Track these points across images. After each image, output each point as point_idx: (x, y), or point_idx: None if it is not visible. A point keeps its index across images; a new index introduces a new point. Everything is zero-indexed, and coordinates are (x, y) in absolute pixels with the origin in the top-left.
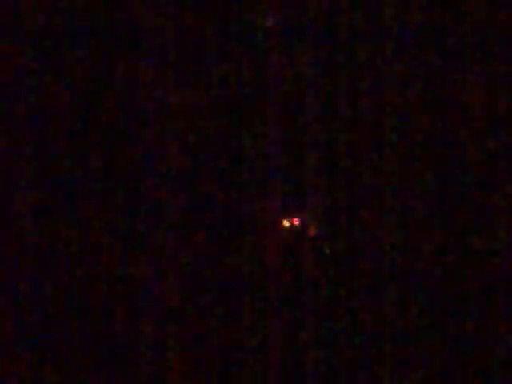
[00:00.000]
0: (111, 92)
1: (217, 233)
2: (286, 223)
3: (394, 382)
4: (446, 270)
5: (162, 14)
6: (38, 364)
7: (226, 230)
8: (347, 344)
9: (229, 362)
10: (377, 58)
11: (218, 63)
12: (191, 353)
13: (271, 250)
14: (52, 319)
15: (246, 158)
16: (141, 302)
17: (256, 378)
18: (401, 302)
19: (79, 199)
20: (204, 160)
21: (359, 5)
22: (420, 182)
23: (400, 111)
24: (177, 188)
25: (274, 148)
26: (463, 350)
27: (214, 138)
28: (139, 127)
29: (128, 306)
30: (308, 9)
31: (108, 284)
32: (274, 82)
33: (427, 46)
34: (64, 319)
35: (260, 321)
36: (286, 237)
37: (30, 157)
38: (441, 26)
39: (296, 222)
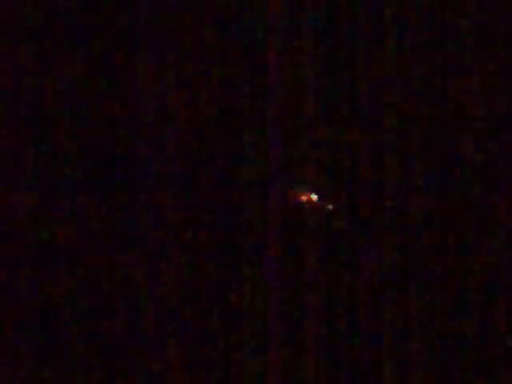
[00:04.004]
0: (111, 92)
1: (217, 232)
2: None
3: (394, 382)
4: (445, 270)
5: (162, 13)
6: (38, 364)
7: (226, 229)
8: (347, 343)
9: (229, 362)
10: (377, 58)
11: (218, 63)
12: (191, 353)
13: (272, 248)
14: (52, 319)
15: (246, 158)
16: (141, 302)
17: (256, 378)
18: (401, 300)
19: (79, 199)
20: (204, 160)
21: (359, 4)
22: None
23: (400, 111)
24: (177, 188)
25: (274, 148)
26: (463, 349)
27: (214, 138)
28: (139, 127)
29: (128, 305)
30: (308, 8)
31: (108, 284)
32: (273, 81)
33: (427, 46)
34: (64, 319)
35: (260, 321)
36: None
37: (29, 157)
38: (441, 26)
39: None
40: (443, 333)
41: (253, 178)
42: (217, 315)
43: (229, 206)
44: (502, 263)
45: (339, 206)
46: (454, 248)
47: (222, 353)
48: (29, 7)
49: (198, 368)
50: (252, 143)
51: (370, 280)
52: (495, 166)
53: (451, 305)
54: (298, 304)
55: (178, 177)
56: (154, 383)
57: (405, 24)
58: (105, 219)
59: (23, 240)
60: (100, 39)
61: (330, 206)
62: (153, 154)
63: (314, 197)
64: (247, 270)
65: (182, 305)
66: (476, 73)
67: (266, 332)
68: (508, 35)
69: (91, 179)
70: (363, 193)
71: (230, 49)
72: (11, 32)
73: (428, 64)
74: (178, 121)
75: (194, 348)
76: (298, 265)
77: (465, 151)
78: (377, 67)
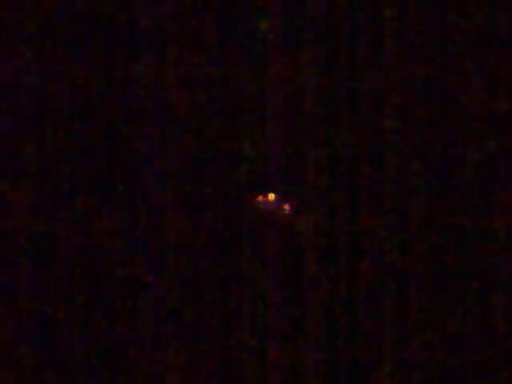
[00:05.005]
0: (111, 92)
1: (217, 233)
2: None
3: (394, 382)
4: (445, 270)
5: (161, 13)
6: (38, 364)
7: (226, 229)
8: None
9: (229, 362)
10: (377, 58)
11: (217, 63)
12: (191, 353)
13: (272, 247)
14: (51, 319)
15: (246, 158)
16: (141, 302)
17: (256, 378)
18: (398, 300)
19: (79, 199)
20: (204, 160)
21: (359, 5)
22: (418, 182)
23: (400, 111)
24: (177, 188)
25: (274, 148)
26: (463, 349)
27: (214, 138)
28: (139, 127)
29: (128, 306)
30: (308, 9)
31: (108, 284)
32: (273, 82)
33: (428, 46)
34: (64, 319)
35: (260, 320)
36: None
37: (29, 156)
38: (441, 26)
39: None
40: (443, 333)
41: (253, 178)
42: (217, 315)
43: (229, 205)
44: (502, 263)
45: (298, 207)
46: (453, 248)
47: (222, 353)
48: (29, 7)
49: (198, 368)
50: (252, 143)
51: (370, 280)
52: (495, 165)
53: (451, 305)
54: (297, 304)
55: (178, 177)
56: (154, 383)
57: (405, 24)
58: (105, 219)
59: (23, 239)
60: (100, 39)
61: (287, 207)
62: (153, 154)
63: (272, 196)
64: (247, 269)
65: (182, 305)
66: (476, 73)
67: (265, 332)
68: (508, 35)
69: (91, 179)
70: (363, 193)
71: (230, 49)
72: (11, 32)
73: (428, 64)
74: (178, 120)
75: (194, 348)
76: (298, 265)
77: (465, 151)
78: (377, 67)
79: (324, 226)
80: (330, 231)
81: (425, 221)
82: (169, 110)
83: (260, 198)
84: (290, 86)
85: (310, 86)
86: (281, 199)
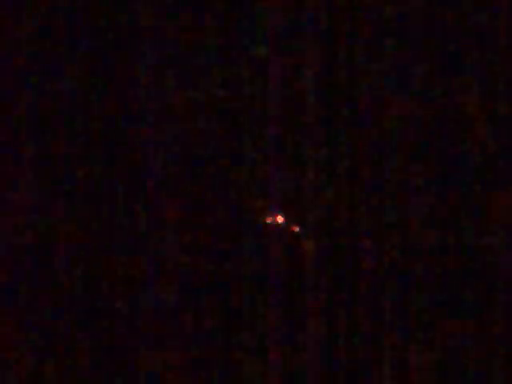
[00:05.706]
0: (111, 92)
1: (217, 233)
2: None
3: (394, 382)
4: (445, 270)
5: (161, 13)
6: (38, 364)
7: (227, 230)
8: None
9: (229, 362)
10: (377, 58)
11: (218, 63)
12: (191, 353)
13: (273, 250)
14: (51, 319)
15: (246, 158)
16: (141, 302)
17: (256, 378)
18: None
19: (79, 199)
20: (204, 160)
21: (359, 5)
22: (418, 182)
23: (400, 112)
24: (177, 188)
25: (274, 148)
26: (463, 349)
27: (214, 138)
28: (139, 127)
29: (128, 305)
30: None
31: (108, 284)
32: (273, 82)
33: (428, 46)
34: (63, 319)
35: (260, 320)
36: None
37: (29, 156)
38: (441, 26)
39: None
40: (443, 333)
41: (253, 178)
42: (217, 315)
43: (229, 205)
44: (502, 263)
45: (306, 229)
46: (454, 248)
47: (222, 353)
48: (28, 7)
49: (198, 368)
50: (252, 143)
51: (370, 280)
52: (495, 165)
53: (451, 305)
54: (298, 304)
55: (178, 177)
56: (154, 383)
57: (405, 24)
58: (105, 219)
59: (23, 240)
60: (100, 39)
61: (297, 229)
62: (153, 154)
63: (280, 219)
64: (247, 270)
65: (182, 305)
66: (476, 73)
67: (265, 332)
68: (508, 35)
69: (91, 179)
70: (363, 193)
71: (230, 49)
72: (11, 32)
73: (428, 64)
74: (178, 121)
75: (194, 348)
76: (298, 265)
77: (465, 151)
78: (377, 68)
79: (324, 227)
80: (330, 231)
81: (425, 221)
82: (169, 110)
83: (269, 219)
84: (290, 86)
85: (309, 86)
86: (288, 223)
